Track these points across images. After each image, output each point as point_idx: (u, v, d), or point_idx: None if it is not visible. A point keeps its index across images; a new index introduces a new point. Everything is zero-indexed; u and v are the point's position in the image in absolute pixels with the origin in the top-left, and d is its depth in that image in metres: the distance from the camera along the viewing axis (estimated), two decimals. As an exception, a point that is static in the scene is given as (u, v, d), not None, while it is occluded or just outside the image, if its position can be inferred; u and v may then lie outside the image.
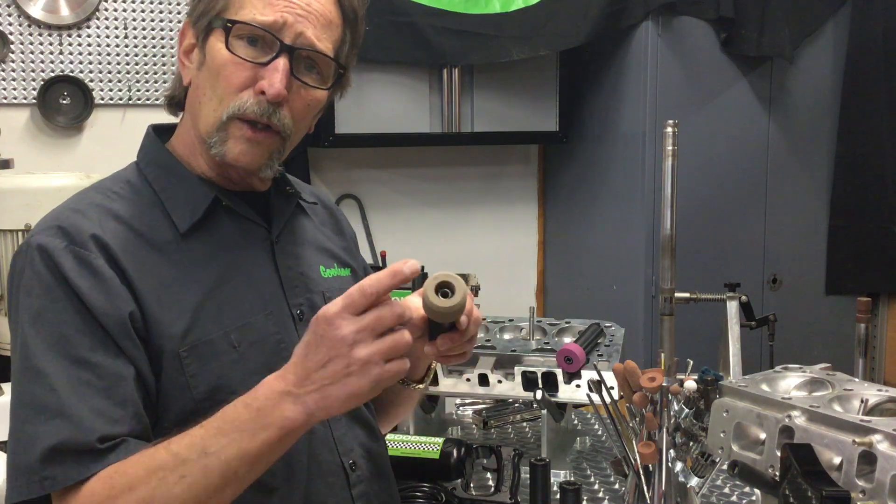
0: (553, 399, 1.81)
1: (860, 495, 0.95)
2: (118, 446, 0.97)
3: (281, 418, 0.93)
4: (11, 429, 0.99)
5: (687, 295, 2.28)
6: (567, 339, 1.89)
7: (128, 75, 3.22)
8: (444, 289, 0.98)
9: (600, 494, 1.69)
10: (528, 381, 1.82)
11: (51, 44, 3.14)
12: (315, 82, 1.13)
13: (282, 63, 1.08)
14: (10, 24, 3.09)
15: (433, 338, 1.04)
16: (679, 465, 1.29)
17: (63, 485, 0.95)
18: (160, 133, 1.20)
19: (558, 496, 1.42)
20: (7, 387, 1.81)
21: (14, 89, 3.12)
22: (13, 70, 3.11)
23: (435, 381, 1.88)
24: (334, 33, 1.14)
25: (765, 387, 1.14)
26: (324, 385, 0.92)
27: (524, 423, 2.13)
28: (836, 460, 0.99)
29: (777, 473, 1.03)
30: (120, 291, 1.02)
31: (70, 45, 3.16)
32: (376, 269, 3.56)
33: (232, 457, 0.93)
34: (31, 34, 3.11)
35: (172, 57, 3.21)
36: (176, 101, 1.19)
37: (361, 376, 0.91)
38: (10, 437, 0.99)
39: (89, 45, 3.18)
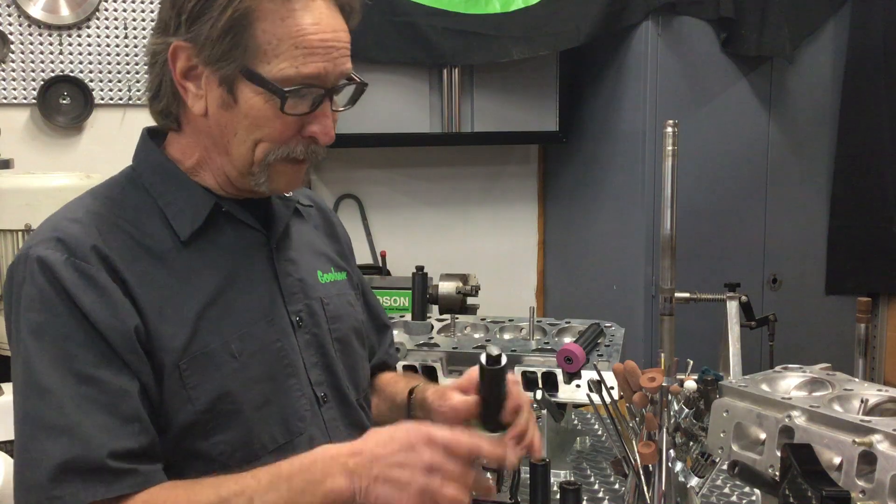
0: (553, 399, 1.81)
1: (860, 495, 0.95)
2: (128, 475, 0.97)
3: (330, 485, 0.96)
4: (18, 445, 0.98)
5: (687, 295, 2.28)
6: (567, 339, 1.89)
7: (128, 75, 3.22)
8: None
9: (600, 494, 1.69)
10: (528, 381, 1.82)
11: (51, 44, 3.14)
12: (344, 104, 1.15)
13: (328, 107, 1.09)
14: (10, 24, 3.09)
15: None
16: (679, 465, 1.29)
17: None
18: (154, 135, 1.18)
19: (558, 496, 1.42)
20: (7, 387, 1.80)
21: (14, 89, 3.12)
22: (13, 70, 3.11)
23: (435, 381, 1.88)
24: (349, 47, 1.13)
25: (765, 387, 1.14)
26: (377, 478, 0.96)
27: (524, 423, 2.12)
28: (836, 460, 0.99)
29: (777, 473, 1.03)
30: (123, 305, 1.02)
31: (70, 45, 3.17)
32: (375, 269, 3.55)
33: None
34: (31, 34, 3.11)
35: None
36: (172, 117, 1.14)
37: (409, 497, 0.95)
38: (18, 453, 0.98)
39: (89, 45, 3.18)
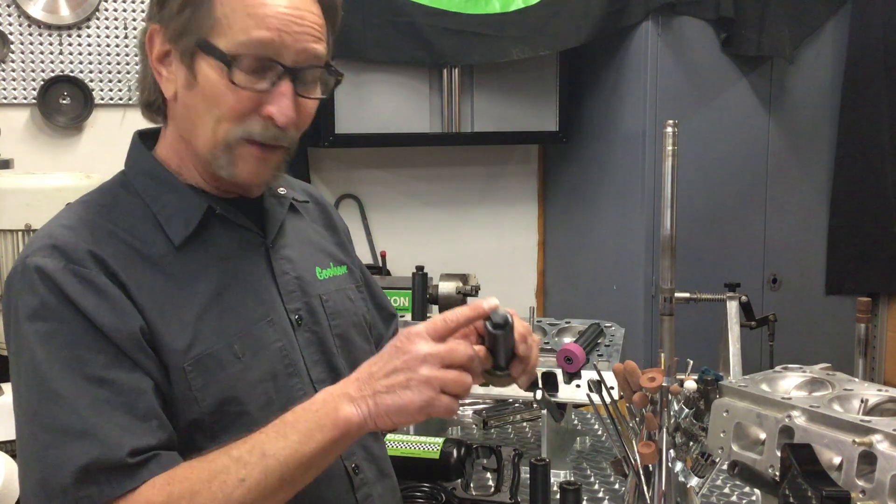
0: (553, 399, 1.81)
1: (860, 495, 0.95)
2: (150, 461, 0.97)
3: (335, 417, 0.97)
4: (35, 453, 0.98)
5: (687, 295, 2.28)
6: (567, 339, 1.89)
7: (128, 75, 3.22)
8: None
9: (600, 494, 1.69)
10: (528, 381, 1.82)
11: (51, 44, 3.14)
12: (314, 93, 1.11)
13: (287, 87, 1.06)
14: (10, 24, 3.09)
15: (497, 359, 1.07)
16: (679, 465, 1.29)
17: (99, 503, 0.95)
18: (146, 139, 1.17)
19: (558, 496, 1.42)
20: (6, 387, 1.80)
21: (14, 89, 3.12)
22: (13, 70, 3.11)
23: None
24: (325, 36, 1.11)
25: (765, 387, 1.14)
26: (378, 392, 0.97)
27: (524, 423, 2.13)
28: (836, 460, 0.99)
29: (777, 473, 1.03)
30: (126, 306, 1.01)
31: (70, 45, 3.17)
32: (375, 269, 3.53)
33: (288, 457, 0.96)
34: (31, 34, 3.11)
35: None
36: (155, 107, 1.14)
37: (416, 393, 0.96)
38: (35, 460, 0.98)
39: (89, 45, 3.18)
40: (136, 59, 3.22)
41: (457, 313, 1.00)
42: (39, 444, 0.97)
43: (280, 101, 1.06)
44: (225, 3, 1.04)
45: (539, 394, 1.77)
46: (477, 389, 1.88)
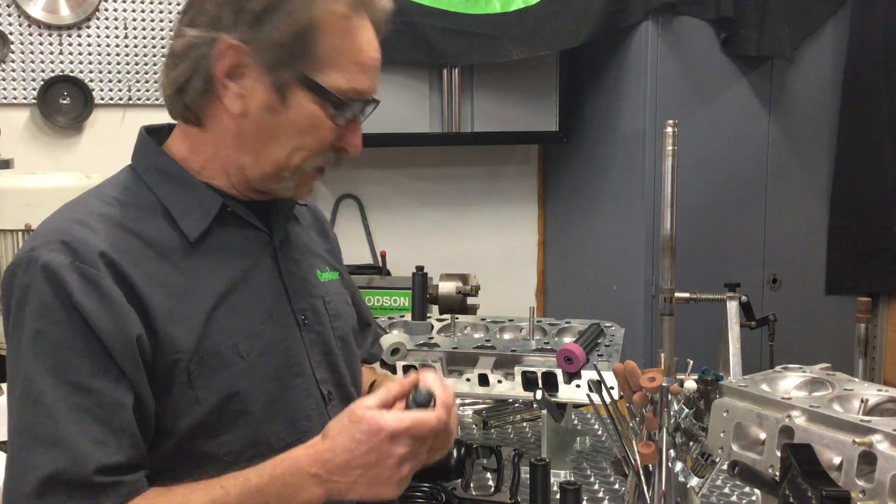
0: (553, 399, 1.81)
1: (860, 495, 0.95)
2: (113, 488, 0.96)
3: (304, 496, 0.99)
4: (10, 454, 0.98)
5: (687, 295, 2.28)
6: (567, 339, 1.89)
7: (128, 75, 3.22)
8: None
9: (600, 494, 1.69)
10: (528, 381, 1.82)
11: (51, 44, 3.15)
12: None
13: (360, 120, 1.15)
14: (10, 24, 3.10)
15: None
16: (679, 465, 1.29)
17: None
18: (152, 134, 1.17)
19: (558, 496, 1.42)
20: (6, 387, 1.80)
21: (14, 89, 3.12)
22: (13, 70, 3.11)
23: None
24: None
25: (765, 387, 1.14)
26: (357, 479, 0.99)
27: (524, 423, 2.13)
28: (836, 460, 0.99)
29: (777, 473, 1.03)
30: (128, 313, 1.00)
31: (70, 45, 3.17)
32: (375, 269, 3.53)
33: None
34: (31, 34, 3.12)
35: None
36: (193, 113, 1.10)
37: (397, 486, 1.00)
38: (8, 462, 0.97)
39: (89, 45, 3.19)
40: (137, 59, 3.24)
41: (392, 392, 1.03)
42: (13, 445, 0.98)
43: (356, 136, 1.15)
44: (328, 42, 1.07)
45: (539, 394, 1.77)
46: (477, 389, 1.88)
